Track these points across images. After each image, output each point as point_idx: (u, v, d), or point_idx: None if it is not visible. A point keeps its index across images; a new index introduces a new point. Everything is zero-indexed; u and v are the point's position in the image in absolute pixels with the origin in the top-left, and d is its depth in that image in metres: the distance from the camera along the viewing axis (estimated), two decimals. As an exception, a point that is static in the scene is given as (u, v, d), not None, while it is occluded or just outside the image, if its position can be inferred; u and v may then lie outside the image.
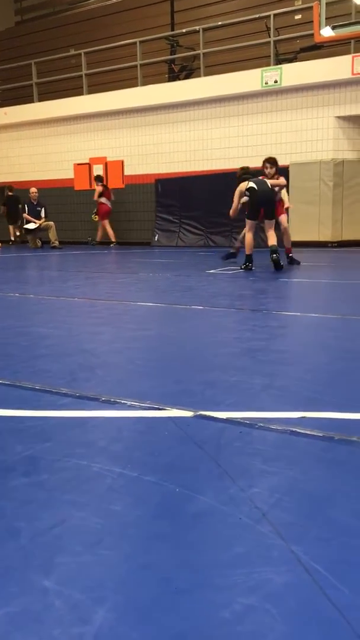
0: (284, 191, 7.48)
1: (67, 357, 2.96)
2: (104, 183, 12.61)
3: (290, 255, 7.70)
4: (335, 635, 0.99)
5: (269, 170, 7.28)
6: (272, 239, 6.98)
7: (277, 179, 7.15)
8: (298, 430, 1.89)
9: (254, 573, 1.16)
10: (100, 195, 12.43)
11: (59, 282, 6.70)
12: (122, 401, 2.22)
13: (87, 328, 3.79)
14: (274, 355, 2.94)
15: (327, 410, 2.09)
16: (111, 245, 12.52)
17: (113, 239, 12.52)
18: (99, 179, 12.58)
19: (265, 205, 7.04)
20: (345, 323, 3.82)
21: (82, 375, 2.61)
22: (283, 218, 7.52)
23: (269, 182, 7.02)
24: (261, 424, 1.95)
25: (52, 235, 12.35)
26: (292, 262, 7.66)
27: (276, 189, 7.08)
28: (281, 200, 7.48)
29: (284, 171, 10.81)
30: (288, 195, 8.10)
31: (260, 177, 7.13)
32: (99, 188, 12.46)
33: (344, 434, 1.86)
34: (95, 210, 12.63)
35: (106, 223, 12.54)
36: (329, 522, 1.35)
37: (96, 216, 12.63)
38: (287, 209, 7.84)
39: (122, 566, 1.20)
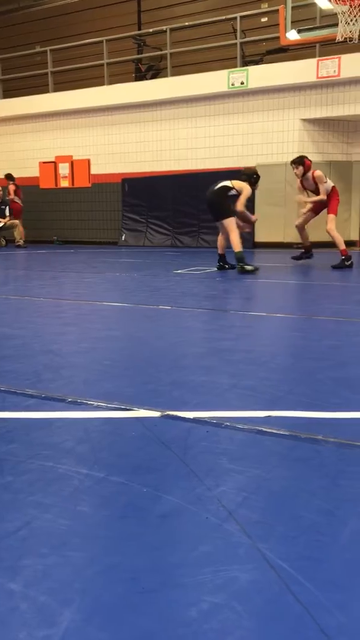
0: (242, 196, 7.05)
1: (32, 357, 2.93)
2: (16, 182, 12.47)
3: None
4: (301, 631, 1.01)
5: (295, 171, 7.24)
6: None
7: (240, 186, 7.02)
8: (264, 430, 1.90)
9: (221, 571, 1.17)
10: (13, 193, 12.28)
11: (23, 282, 6.62)
12: (89, 402, 2.21)
13: (53, 328, 3.75)
14: (241, 355, 2.96)
15: (293, 410, 2.11)
16: (18, 244, 12.19)
17: (22, 238, 12.26)
18: (10, 177, 12.46)
19: (209, 207, 7.15)
20: (311, 323, 3.87)
21: (48, 376, 2.58)
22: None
23: (228, 183, 6.94)
24: (228, 424, 1.96)
25: (18, 234, 12.20)
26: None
27: (231, 192, 6.90)
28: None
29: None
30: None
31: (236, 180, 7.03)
32: (11, 187, 12.29)
33: (310, 433, 1.88)
34: (6, 212, 12.28)
35: (19, 222, 12.30)
36: (295, 519, 1.37)
37: (7, 218, 12.24)
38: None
39: (88, 567, 1.19)
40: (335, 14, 8.74)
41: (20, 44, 14.73)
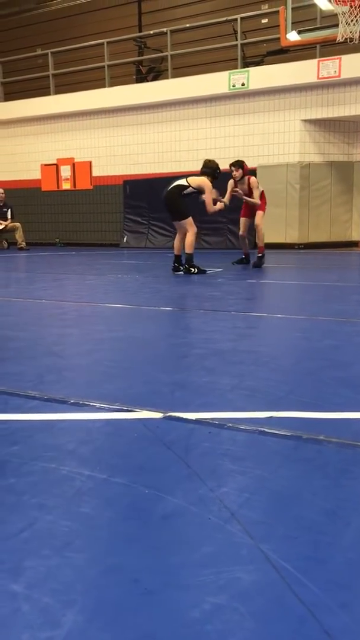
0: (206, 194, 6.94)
1: (35, 359, 2.93)
2: None
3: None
4: (304, 632, 1.01)
5: (235, 173, 7.33)
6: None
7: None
8: (266, 430, 1.90)
9: (223, 572, 1.17)
10: None
11: (26, 284, 6.63)
12: (91, 403, 2.21)
13: (55, 330, 3.76)
14: (243, 356, 2.96)
15: (295, 410, 2.11)
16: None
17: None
18: None
19: (166, 208, 7.07)
20: (313, 324, 3.87)
21: (50, 378, 2.58)
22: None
23: (184, 182, 6.85)
24: (230, 425, 1.96)
25: (19, 236, 12.21)
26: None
27: (187, 190, 6.81)
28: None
29: (250, 173, 10.97)
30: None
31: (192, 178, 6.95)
32: None
33: (312, 433, 1.88)
34: None
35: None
36: (297, 520, 1.37)
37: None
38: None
39: (91, 569, 1.19)
40: (336, 14, 8.75)
41: (21, 46, 14.75)
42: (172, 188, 6.90)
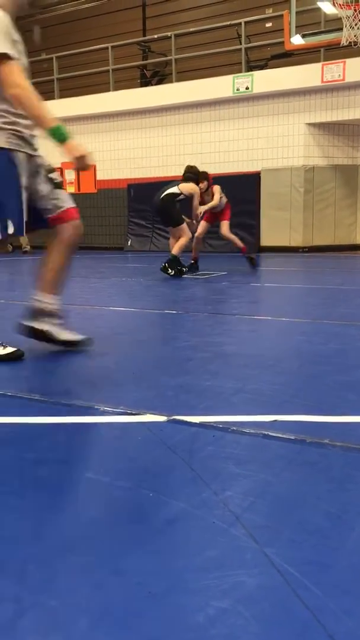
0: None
1: (38, 362, 2.93)
2: None
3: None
4: (308, 636, 1.00)
5: (200, 185, 7.38)
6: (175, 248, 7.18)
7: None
8: (271, 434, 1.90)
9: (227, 576, 1.16)
10: None
11: (30, 287, 6.63)
12: (95, 407, 2.21)
13: (60, 333, 3.75)
14: (247, 359, 2.95)
15: (299, 414, 2.11)
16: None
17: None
18: None
19: (158, 215, 7.39)
20: (316, 327, 3.86)
21: (54, 381, 2.59)
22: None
23: (176, 190, 7.05)
24: (234, 428, 1.96)
25: (24, 240, 12.22)
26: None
27: (179, 197, 7.06)
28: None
29: (255, 177, 10.98)
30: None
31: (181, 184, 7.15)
32: None
33: (316, 437, 1.88)
34: None
35: None
36: (302, 524, 1.36)
37: None
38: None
39: (95, 572, 1.19)
40: (340, 18, 8.76)
41: (26, 51, 14.80)
42: (164, 196, 7.06)
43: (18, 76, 2.70)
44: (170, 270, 6.95)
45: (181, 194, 7.02)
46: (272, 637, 1.01)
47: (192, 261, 7.72)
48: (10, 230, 2.78)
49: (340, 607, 1.07)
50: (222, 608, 1.07)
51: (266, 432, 1.91)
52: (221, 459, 1.72)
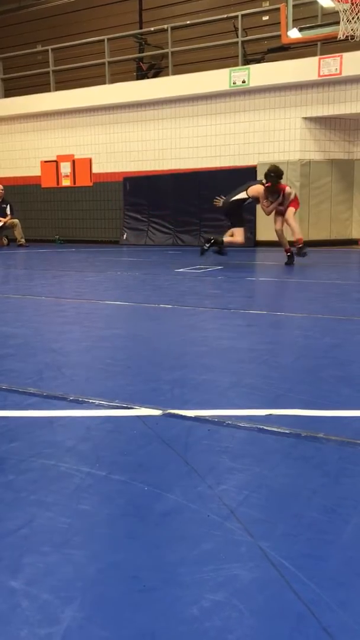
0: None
1: (34, 356, 2.93)
2: None
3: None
4: (303, 629, 1.01)
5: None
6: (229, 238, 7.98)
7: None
8: (265, 428, 1.90)
9: (222, 569, 1.17)
10: None
11: (25, 281, 6.62)
12: (90, 400, 2.21)
13: (55, 327, 3.76)
14: (242, 353, 2.96)
15: (295, 408, 2.11)
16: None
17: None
18: None
19: (225, 214, 8.04)
20: (312, 321, 3.86)
21: (49, 375, 2.58)
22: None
23: (244, 195, 7.71)
24: (229, 422, 1.96)
25: (18, 233, 12.18)
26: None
27: (247, 202, 7.78)
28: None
29: (251, 171, 10.96)
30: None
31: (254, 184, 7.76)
32: None
33: (311, 431, 1.88)
34: None
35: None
36: (296, 517, 1.37)
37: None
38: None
39: (90, 565, 1.19)
40: (337, 12, 8.73)
41: (21, 43, 14.72)
42: (233, 201, 7.77)
43: None
44: (207, 245, 7.80)
45: (249, 198, 7.73)
46: (267, 630, 1.01)
47: (289, 254, 7.98)
48: None
49: (334, 600, 1.07)
50: (217, 601, 1.07)
51: (261, 426, 1.92)
52: (216, 452, 1.72)
